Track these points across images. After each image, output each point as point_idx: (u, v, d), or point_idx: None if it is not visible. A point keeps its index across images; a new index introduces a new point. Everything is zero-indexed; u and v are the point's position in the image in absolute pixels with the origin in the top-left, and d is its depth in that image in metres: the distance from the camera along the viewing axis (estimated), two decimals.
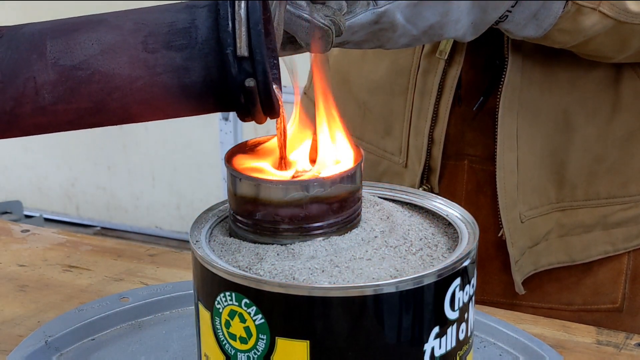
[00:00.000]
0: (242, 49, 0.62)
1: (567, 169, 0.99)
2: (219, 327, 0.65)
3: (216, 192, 3.18)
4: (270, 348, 0.63)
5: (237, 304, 0.63)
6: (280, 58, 0.67)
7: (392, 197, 0.75)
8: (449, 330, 0.65)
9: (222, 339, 0.65)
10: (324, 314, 0.62)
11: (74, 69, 0.63)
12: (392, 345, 0.63)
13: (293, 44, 0.75)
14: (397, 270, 0.65)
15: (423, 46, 1.00)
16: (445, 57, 0.98)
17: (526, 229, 1.00)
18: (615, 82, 0.97)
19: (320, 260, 0.65)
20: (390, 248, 0.67)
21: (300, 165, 0.71)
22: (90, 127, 0.66)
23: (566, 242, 1.02)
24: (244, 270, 0.65)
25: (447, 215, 0.72)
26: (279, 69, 0.66)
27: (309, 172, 0.69)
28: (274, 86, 0.63)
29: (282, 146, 0.69)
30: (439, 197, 0.74)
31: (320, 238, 0.67)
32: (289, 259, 0.65)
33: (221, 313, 0.64)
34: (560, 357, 0.83)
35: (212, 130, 3.13)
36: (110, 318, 0.88)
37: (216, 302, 0.64)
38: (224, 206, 0.73)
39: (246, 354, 0.64)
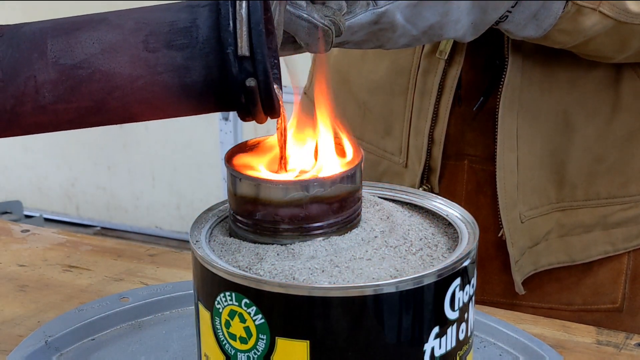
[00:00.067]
0: (243, 49, 0.62)
1: (567, 169, 0.99)
2: (219, 327, 0.65)
3: (216, 192, 3.18)
4: (270, 348, 0.63)
5: (237, 304, 0.63)
6: (280, 58, 0.68)
7: (392, 197, 0.75)
8: (449, 330, 0.65)
9: (222, 339, 0.65)
10: (324, 314, 0.62)
11: (75, 67, 0.63)
12: (392, 345, 0.63)
13: (293, 44, 0.75)
14: (397, 270, 0.65)
15: (423, 46, 1.00)
16: (445, 57, 0.98)
17: (526, 229, 1.00)
18: (615, 82, 0.97)
19: (320, 260, 0.65)
20: (390, 248, 0.67)
21: (300, 165, 0.71)
22: (91, 126, 0.66)
23: (566, 242, 1.02)
24: (244, 270, 0.65)
25: (447, 215, 0.72)
26: (280, 68, 0.66)
27: (309, 172, 0.69)
28: (275, 86, 0.63)
29: (282, 146, 0.69)
30: (439, 197, 0.74)
31: (320, 238, 0.67)
32: (289, 259, 0.65)
33: (221, 313, 0.64)
34: (560, 357, 0.83)
35: (212, 130, 3.13)
36: (110, 318, 0.88)
37: (216, 302, 0.64)
38: (224, 206, 0.73)
39: (246, 354, 0.64)
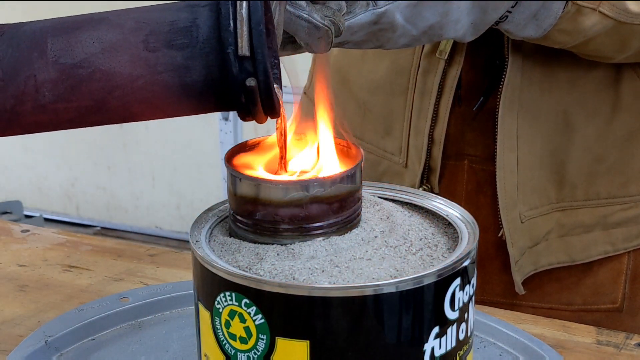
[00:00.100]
0: (244, 49, 0.62)
1: (567, 169, 0.99)
2: (219, 327, 0.65)
3: (216, 192, 3.18)
4: (270, 348, 0.63)
5: (237, 304, 0.63)
6: (280, 58, 0.68)
7: (392, 197, 0.75)
8: (449, 330, 0.65)
9: (222, 339, 0.65)
10: (324, 314, 0.62)
11: (75, 67, 0.63)
12: (392, 345, 0.63)
13: (292, 44, 0.75)
14: (397, 270, 0.65)
15: (423, 46, 1.00)
16: (445, 57, 0.98)
17: (526, 229, 1.00)
18: (615, 82, 0.97)
19: (320, 260, 0.65)
20: (390, 248, 0.67)
21: (300, 165, 0.71)
22: (91, 126, 0.66)
23: (566, 242, 1.02)
24: (244, 270, 0.65)
25: (447, 215, 0.72)
26: (280, 68, 0.66)
27: (309, 172, 0.69)
28: (275, 86, 0.63)
29: (282, 146, 0.69)
30: (439, 197, 0.74)
31: (320, 238, 0.67)
32: (289, 259, 0.65)
33: (221, 313, 0.64)
34: (560, 357, 0.83)
35: (212, 130, 3.13)
36: (110, 318, 0.88)
37: (216, 302, 0.64)
38: (224, 206, 0.73)
39: (246, 354, 0.64)
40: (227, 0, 0.62)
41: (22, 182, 3.50)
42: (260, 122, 0.66)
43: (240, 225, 0.68)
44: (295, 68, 0.72)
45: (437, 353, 0.65)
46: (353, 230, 0.68)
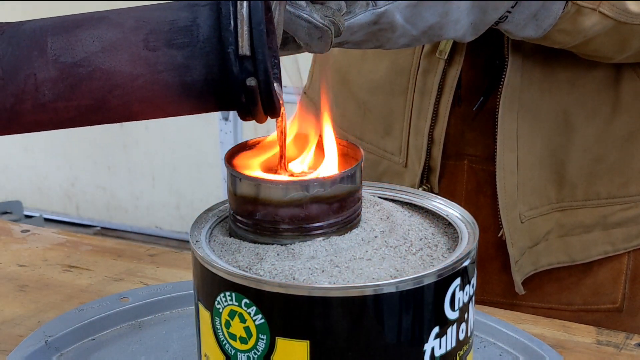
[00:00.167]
0: (244, 48, 0.62)
1: (567, 169, 0.99)
2: (219, 327, 0.65)
3: (216, 192, 3.18)
4: (270, 348, 0.63)
5: (237, 304, 0.63)
6: (280, 58, 0.68)
7: (392, 197, 0.75)
8: (449, 330, 0.65)
9: (222, 339, 0.65)
10: (324, 314, 0.62)
11: (75, 66, 0.63)
12: (392, 345, 0.63)
13: (292, 44, 0.75)
14: (397, 270, 0.65)
15: (423, 46, 1.00)
16: (445, 57, 0.98)
17: (526, 229, 1.00)
18: (615, 82, 0.97)
19: (320, 260, 0.65)
20: (390, 248, 0.67)
21: (300, 165, 0.71)
22: (91, 125, 0.66)
23: (566, 242, 1.02)
24: (244, 270, 0.65)
25: (447, 215, 0.72)
26: (280, 68, 0.66)
27: (309, 172, 0.69)
28: (275, 85, 0.63)
29: (282, 146, 0.69)
30: (439, 197, 0.74)
31: (320, 238, 0.67)
32: (289, 259, 0.65)
33: (221, 313, 0.64)
34: (560, 357, 0.83)
35: (212, 130, 3.13)
36: (110, 318, 0.88)
37: (216, 302, 0.64)
38: (224, 206, 0.73)
39: (246, 354, 0.64)
40: (227, 0, 0.62)
41: (22, 182, 3.50)
42: (260, 121, 0.66)
43: (240, 225, 0.68)
44: (297, 68, 0.72)
45: (437, 353, 0.65)
46: (353, 230, 0.68)
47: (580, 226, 1.01)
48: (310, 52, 0.74)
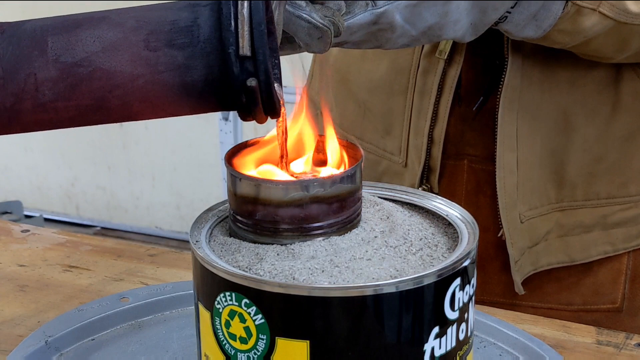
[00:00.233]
0: (245, 49, 0.62)
1: (566, 169, 0.99)
2: (219, 327, 0.65)
3: (216, 192, 3.18)
4: (270, 348, 0.63)
5: (237, 304, 0.63)
6: (282, 57, 0.68)
7: (392, 197, 0.75)
8: (449, 330, 0.65)
9: (222, 339, 0.65)
10: (324, 314, 0.62)
11: (75, 65, 0.63)
12: (392, 345, 0.63)
13: (291, 44, 0.75)
14: (397, 270, 0.65)
15: (423, 46, 1.00)
16: (445, 57, 0.98)
17: (526, 229, 1.00)
18: (615, 82, 0.97)
19: (320, 260, 0.65)
20: (390, 248, 0.67)
21: (300, 165, 0.71)
22: (91, 125, 0.66)
23: (566, 242, 1.02)
24: (244, 270, 0.65)
25: (447, 215, 0.72)
26: (280, 68, 0.66)
27: (309, 172, 0.70)
28: (275, 85, 0.63)
29: (283, 146, 0.69)
30: (439, 197, 0.74)
31: (320, 238, 0.67)
32: (289, 259, 0.65)
33: (221, 313, 0.64)
34: (560, 357, 0.83)
35: (212, 130, 3.13)
36: (110, 318, 0.88)
37: (216, 302, 0.64)
38: (224, 206, 0.73)
39: (246, 354, 0.64)
40: (228, 0, 0.62)
41: (22, 182, 3.50)
42: (260, 122, 0.66)
43: (240, 225, 0.68)
44: (301, 68, 0.72)
45: (437, 353, 0.65)
46: (353, 230, 0.68)
47: (580, 226, 1.01)
48: (309, 52, 0.74)
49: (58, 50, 0.63)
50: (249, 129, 3.05)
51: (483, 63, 0.99)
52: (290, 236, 0.67)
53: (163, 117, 0.66)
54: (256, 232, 0.67)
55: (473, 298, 0.67)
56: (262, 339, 0.63)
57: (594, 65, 0.96)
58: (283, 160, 0.69)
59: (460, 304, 0.65)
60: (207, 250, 0.67)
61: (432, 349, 0.64)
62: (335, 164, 0.70)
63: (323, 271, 0.64)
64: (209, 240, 0.69)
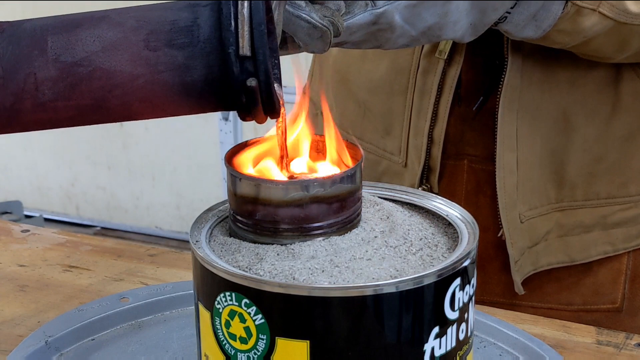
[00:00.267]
0: (245, 49, 0.62)
1: (566, 169, 0.99)
2: (219, 327, 0.65)
3: (216, 192, 3.18)
4: (270, 348, 0.63)
5: (237, 304, 0.63)
6: (283, 58, 0.68)
7: (392, 197, 0.75)
8: (449, 330, 0.65)
9: (222, 339, 0.65)
10: (324, 314, 0.62)
11: (75, 65, 0.63)
12: (392, 345, 0.63)
13: (291, 44, 0.75)
14: (397, 270, 0.65)
15: (423, 46, 1.00)
16: (445, 57, 0.98)
17: (526, 229, 1.00)
18: (615, 82, 0.97)
19: (320, 260, 0.65)
20: (390, 248, 0.67)
21: (300, 165, 0.71)
22: (91, 124, 0.66)
23: (566, 242, 1.02)
24: (244, 270, 0.65)
25: (447, 215, 0.72)
26: (280, 68, 0.66)
27: (309, 172, 0.69)
28: (275, 85, 0.63)
29: (282, 146, 0.69)
30: (439, 197, 0.74)
31: (320, 238, 0.67)
32: (289, 259, 0.65)
33: (221, 313, 0.64)
34: (560, 357, 0.83)
35: (212, 130, 3.13)
36: (110, 318, 0.88)
37: (216, 302, 0.64)
38: (224, 206, 0.73)
39: (246, 354, 0.64)
40: (228, 0, 0.62)
41: (22, 182, 3.50)
42: (260, 122, 0.66)
43: (240, 225, 0.68)
44: (302, 68, 0.72)
45: (437, 353, 0.65)
46: (353, 230, 0.68)
47: (579, 226, 1.01)
48: (308, 52, 0.74)
49: (58, 49, 0.63)
50: (249, 129, 3.05)
51: (483, 63, 0.99)
52: (290, 236, 0.67)
53: (163, 117, 0.66)
54: (256, 232, 0.67)
55: (473, 298, 0.67)
56: (262, 339, 0.63)
57: (594, 65, 0.96)
58: (283, 160, 0.69)
59: (460, 304, 0.65)
60: (207, 250, 0.67)
61: (432, 349, 0.64)
62: (336, 163, 0.70)
63: (323, 271, 0.64)
64: (209, 240, 0.69)
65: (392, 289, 0.62)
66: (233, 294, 0.63)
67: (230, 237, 0.69)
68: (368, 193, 0.74)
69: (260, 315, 0.62)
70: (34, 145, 3.40)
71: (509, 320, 0.89)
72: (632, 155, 1.00)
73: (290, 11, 0.71)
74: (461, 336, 0.66)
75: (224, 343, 0.65)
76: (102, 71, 0.63)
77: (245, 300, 0.62)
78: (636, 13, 0.85)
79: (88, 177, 3.40)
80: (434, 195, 0.74)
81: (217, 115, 3.06)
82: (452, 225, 0.71)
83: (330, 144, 0.70)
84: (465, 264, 0.65)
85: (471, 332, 0.68)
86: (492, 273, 1.04)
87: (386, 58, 1.03)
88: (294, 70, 0.71)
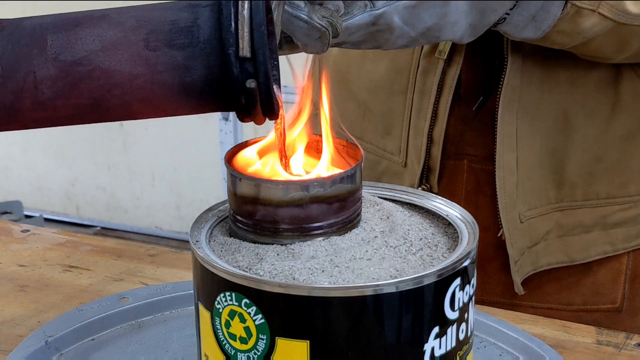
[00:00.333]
0: (245, 50, 0.62)
1: (566, 169, 0.99)
2: (219, 327, 0.65)
3: (216, 192, 3.18)
4: (270, 348, 0.63)
5: (237, 304, 0.63)
6: (282, 58, 0.68)
7: (392, 197, 0.75)
8: (449, 330, 0.65)
9: (222, 339, 0.65)
10: (324, 314, 0.62)
11: (74, 64, 0.63)
12: (392, 345, 0.63)
13: (290, 44, 0.75)
14: (397, 270, 0.65)
15: (422, 46, 1.00)
16: (445, 57, 0.98)
17: (525, 229, 1.00)
18: (614, 82, 0.97)
19: (320, 260, 0.65)
20: (390, 248, 0.67)
21: (300, 165, 0.71)
22: (90, 123, 0.66)
23: (565, 242, 1.02)
24: (244, 270, 0.65)
25: (447, 215, 0.72)
26: (279, 70, 0.66)
27: (309, 172, 0.70)
28: (274, 87, 0.63)
29: (282, 146, 0.69)
30: (439, 197, 0.74)
31: (320, 238, 0.67)
32: (289, 259, 0.65)
33: (221, 313, 0.64)
34: (560, 357, 0.83)
35: (212, 130, 3.13)
36: (110, 318, 0.88)
37: (216, 302, 0.64)
38: (224, 206, 0.73)
39: (246, 354, 0.64)
40: (228, 0, 0.62)
41: (22, 182, 3.50)
42: (258, 123, 0.66)
43: (240, 225, 0.68)
44: (302, 68, 0.72)
45: (437, 353, 0.65)
46: (353, 230, 0.68)
47: (579, 226, 1.01)
48: (307, 52, 0.74)
49: (57, 48, 0.63)
50: (249, 129, 3.05)
51: (483, 63, 0.99)
52: (290, 236, 0.67)
53: (162, 116, 0.66)
54: (256, 232, 0.67)
55: (473, 298, 0.67)
56: (262, 339, 0.63)
57: (593, 66, 0.96)
58: (283, 160, 0.69)
59: (460, 304, 0.65)
60: (207, 250, 0.67)
61: (432, 349, 0.64)
62: (335, 163, 0.70)
63: (323, 271, 0.64)
64: (209, 240, 0.69)
65: (392, 289, 0.62)
66: (233, 294, 0.63)
67: (230, 237, 0.69)
68: (368, 193, 0.74)
69: (260, 315, 0.62)
70: (34, 146, 3.40)
71: (509, 320, 0.89)
72: (631, 155, 1.00)
73: (289, 11, 0.71)
74: (461, 336, 0.66)
75: (224, 343, 0.65)
76: (102, 70, 0.63)
77: (245, 300, 0.62)
78: (636, 14, 0.85)
79: (88, 177, 3.40)
80: (434, 195, 0.74)
81: (217, 115, 3.06)
82: (452, 225, 0.71)
83: (328, 144, 0.70)
84: (465, 264, 0.65)
85: (471, 332, 0.68)
86: (492, 273, 1.04)
87: (386, 58, 1.03)
88: (292, 71, 0.71)
